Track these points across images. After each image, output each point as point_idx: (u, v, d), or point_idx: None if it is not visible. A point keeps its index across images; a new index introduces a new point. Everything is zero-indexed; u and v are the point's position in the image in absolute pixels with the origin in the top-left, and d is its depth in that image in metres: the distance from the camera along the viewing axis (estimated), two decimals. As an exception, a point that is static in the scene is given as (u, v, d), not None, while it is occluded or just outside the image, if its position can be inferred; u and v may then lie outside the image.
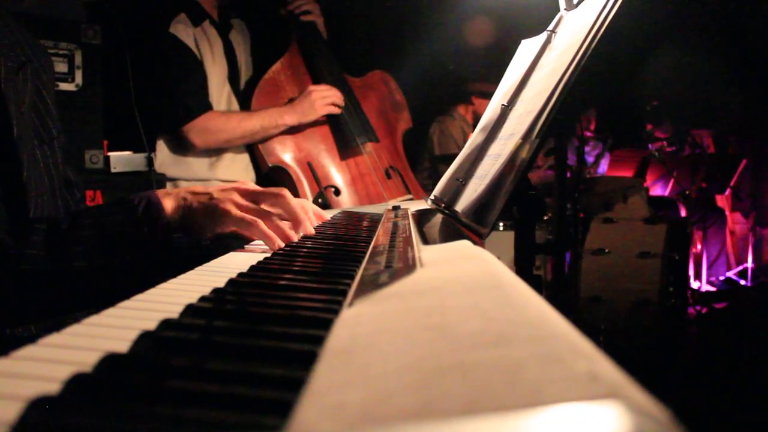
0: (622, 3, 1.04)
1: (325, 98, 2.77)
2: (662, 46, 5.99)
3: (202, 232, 1.11)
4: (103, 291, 1.05)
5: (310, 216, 1.20)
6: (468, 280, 0.62)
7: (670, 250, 3.88)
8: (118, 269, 1.05)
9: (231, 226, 1.08)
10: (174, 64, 2.59)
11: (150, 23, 2.64)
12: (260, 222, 1.06)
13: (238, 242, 1.17)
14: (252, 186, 1.16)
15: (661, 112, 6.21)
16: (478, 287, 0.57)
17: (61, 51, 2.34)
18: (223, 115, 2.67)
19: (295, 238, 1.11)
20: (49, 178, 1.32)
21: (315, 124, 2.83)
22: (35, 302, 1.04)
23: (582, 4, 1.40)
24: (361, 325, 0.49)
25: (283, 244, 1.07)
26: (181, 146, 2.66)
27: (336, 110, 2.79)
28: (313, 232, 1.17)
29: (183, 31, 2.62)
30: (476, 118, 4.50)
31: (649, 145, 5.43)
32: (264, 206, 1.13)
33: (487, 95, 4.35)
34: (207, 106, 2.62)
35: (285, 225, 1.11)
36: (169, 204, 1.09)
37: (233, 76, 2.81)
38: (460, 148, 4.47)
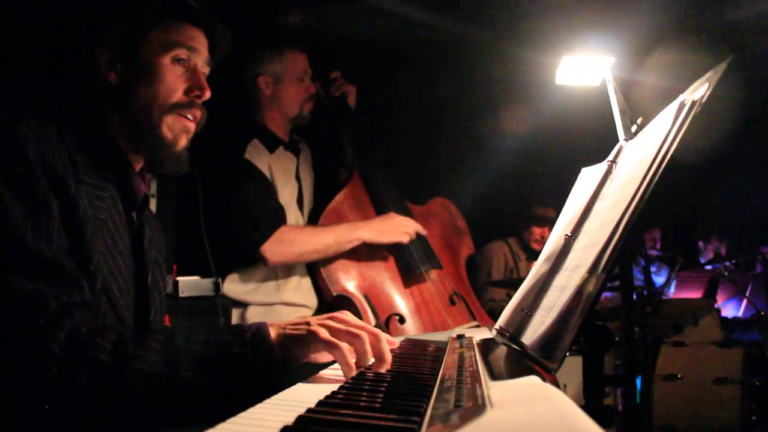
0: (684, 133, 1.06)
1: (402, 226, 2.86)
2: (727, 166, 5.98)
3: (293, 360, 1.18)
4: (200, 404, 1.13)
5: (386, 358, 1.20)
6: (541, 424, 0.61)
7: (749, 376, 3.68)
8: (218, 385, 1.13)
9: (319, 348, 1.15)
10: (249, 187, 2.69)
11: (224, 150, 2.77)
12: (344, 348, 1.13)
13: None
14: (349, 317, 1.23)
15: (709, 229, 6.13)
16: (553, 434, 0.56)
17: (139, 181, 2.48)
18: (296, 228, 2.75)
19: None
20: (161, 322, 1.53)
21: (379, 253, 2.88)
22: (139, 405, 1.10)
23: (641, 133, 1.43)
24: (435, 475, 0.48)
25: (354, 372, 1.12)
26: (250, 269, 2.72)
27: (407, 239, 2.86)
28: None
29: (257, 157, 2.76)
30: (526, 249, 4.52)
31: (717, 265, 5.29)
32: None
33: (545, 220, 4.37)
34: (281, 221, 2.69)
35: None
36: (272, 332, 1.18)
37: (299, 199, 2.92)
38: (502, 275, 4.43)
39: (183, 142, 1.47)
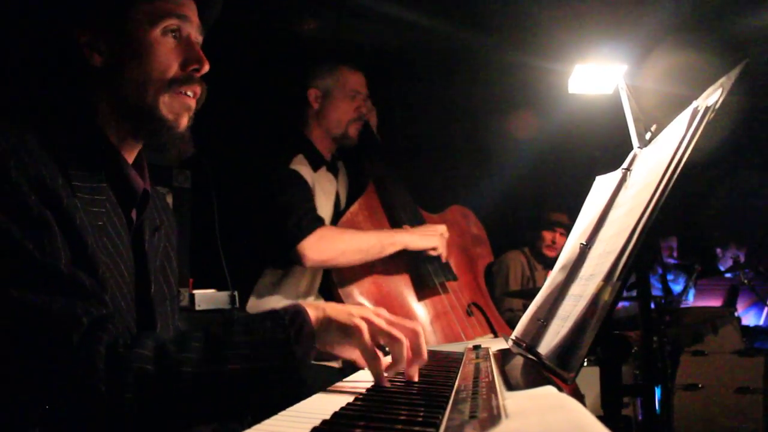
0: (698, 139, 1.05)
1: (444, 235, 2.84)
2: (740, 170, 5.92)
3: (331, 346, 1.16)
4: (251, 397, 1.08)
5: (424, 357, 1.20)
6: (557, 435, 0.61)
7: (771, 385, 3.62)
8: (265, 374, 1.08)
9: (356, 347, 1.13)
10: (293, 191, 2.65)
11: (270, 159, 2.76)
12: (382, 359, 1.11)
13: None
14: (388, 315, 1.20)
15: (726, 235, 6.07)
16: (568, 444, 0.56)
17: (155, 195, 2.50)
18: (337, 228, 2.74)
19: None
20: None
21: (393, 266, 2.85)
22: (191, 407, 1.05)
23: (654, 140, 1.42)
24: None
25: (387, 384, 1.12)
26: (270, 289, 2.71)
27: (440, 252, 2.84)
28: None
29: (303, 170, 2.73)
30: (539, 257, 4.50)
31: (737, 272, 5.22)
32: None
33: (556, 224, 4.35)
34: (321, 222, 2.66)
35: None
36: (312, 313, 1.13)
37: (335, 218, 2.91)
38: (519, 285, 4.39)
39: (185, 121, 1.31)
